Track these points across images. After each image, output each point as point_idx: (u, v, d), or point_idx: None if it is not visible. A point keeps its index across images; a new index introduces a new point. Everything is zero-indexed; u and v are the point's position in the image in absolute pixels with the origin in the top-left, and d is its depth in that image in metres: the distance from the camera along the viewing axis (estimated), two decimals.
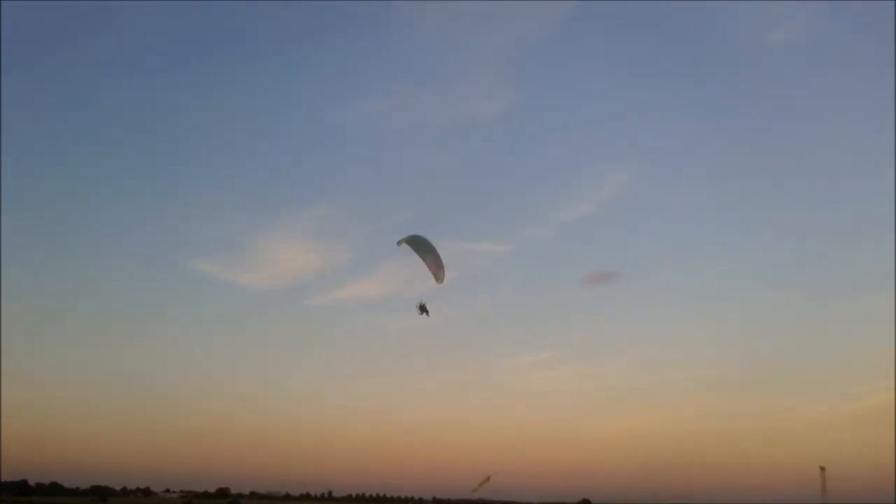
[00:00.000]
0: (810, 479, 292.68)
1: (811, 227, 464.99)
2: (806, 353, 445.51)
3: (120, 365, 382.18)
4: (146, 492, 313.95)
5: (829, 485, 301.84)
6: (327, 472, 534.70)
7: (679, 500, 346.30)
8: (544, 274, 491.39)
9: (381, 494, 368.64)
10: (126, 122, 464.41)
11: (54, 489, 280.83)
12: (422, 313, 36.50)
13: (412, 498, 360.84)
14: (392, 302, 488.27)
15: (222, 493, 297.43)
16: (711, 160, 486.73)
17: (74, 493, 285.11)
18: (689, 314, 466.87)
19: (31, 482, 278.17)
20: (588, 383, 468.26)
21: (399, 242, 34.76)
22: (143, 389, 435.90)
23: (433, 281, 35.73)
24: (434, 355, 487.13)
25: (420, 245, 34.75)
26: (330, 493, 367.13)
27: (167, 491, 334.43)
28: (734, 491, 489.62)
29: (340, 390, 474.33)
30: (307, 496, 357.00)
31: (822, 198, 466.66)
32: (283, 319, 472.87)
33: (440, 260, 34.65)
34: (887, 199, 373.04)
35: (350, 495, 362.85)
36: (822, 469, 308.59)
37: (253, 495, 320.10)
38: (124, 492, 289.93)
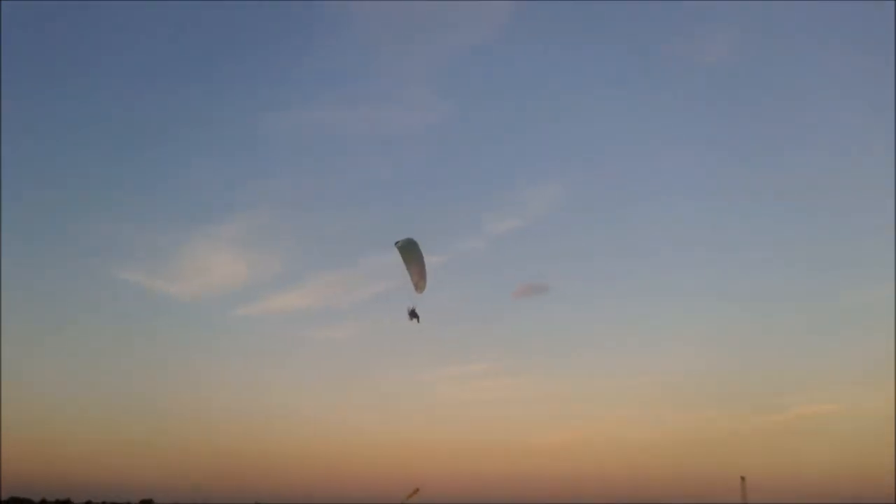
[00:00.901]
0: (732, 490, 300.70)
1: (738, 240, 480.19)
2: (730, 366, 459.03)
3: (39, 377, 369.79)
4: (66, 503, 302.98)
5: (749, 495, 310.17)
6: (252, 483, 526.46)
7: None
8: (475, 286, 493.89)
9: None
10: (44, 123, 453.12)
11: None
12: (412, 319, 37.18)
13: None
14: (321, 313, 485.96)
15: None
16: (642, 176, 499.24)
17: None
18: (617, 327, 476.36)
19: None
20: (518, 394, 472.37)
21: (396, 244, 35.45)
22: (61, 401, 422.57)
23: (413, 290, 36.54)
24: (365, 367, 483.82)
25: (410, 251, 35.46)
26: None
27: (88, 503, 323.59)
28: (662, 500, 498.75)
29: (268, 401, 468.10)
30: None
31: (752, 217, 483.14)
32: (210, 330, 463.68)
33: (424, 270, 35.41)
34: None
35: None
36: (743, 479, 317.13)
37: None
38: None
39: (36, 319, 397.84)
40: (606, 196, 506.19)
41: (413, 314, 36.50)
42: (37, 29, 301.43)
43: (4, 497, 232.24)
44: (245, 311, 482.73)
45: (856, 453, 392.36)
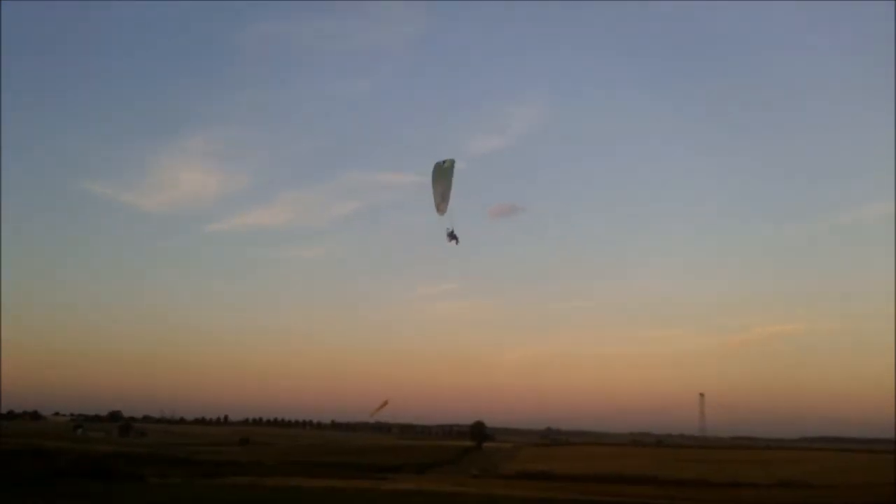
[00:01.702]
0: (691, 404, 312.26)
1: (716, 166, 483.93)
2: (697, 289, 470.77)
3: (11, 287, 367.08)
4: (34, 415, 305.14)
5: (707, 410, 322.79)
6: (225, 398, 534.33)
7: (569, 423, 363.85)
8: (452, 205, 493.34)
9: (280, 419, 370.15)
10: (6, 35, 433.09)
11: None
12: (451, 240, 36.31)
13: (310, 422, 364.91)
14: (296, 231, 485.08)
15: (114, 416, 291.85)
16: (622, 98, 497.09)
17: None
18: (589, 248, 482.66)
19: None
20: (488, 313, 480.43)
21: (444, 162, 34.38)
22: (31, 312, 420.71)
23: (435, 211, 35.62)
24: (338, 285, 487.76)
25: (443, 171, 34.42)
26: (226, 417, 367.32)
27: (56, 414, 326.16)
28: (621, 413, 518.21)
29: (241, 317, 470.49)
30: (202, 420, 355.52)
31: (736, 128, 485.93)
32: (181, 244, 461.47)
33: (448, 192, 34.39)
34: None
35: (247, 420, 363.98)
36: (702, 395, 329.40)
37: (146, 419, 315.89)
38: (11, 416, 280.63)
39: (3, 232, 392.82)
40: (588, 121, 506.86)
41: (452, 235, 35.72)
42: None
43: None
44: (216, 227, 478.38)
45: (805, 368, 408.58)
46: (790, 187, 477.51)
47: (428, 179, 34.37)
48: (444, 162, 34.28)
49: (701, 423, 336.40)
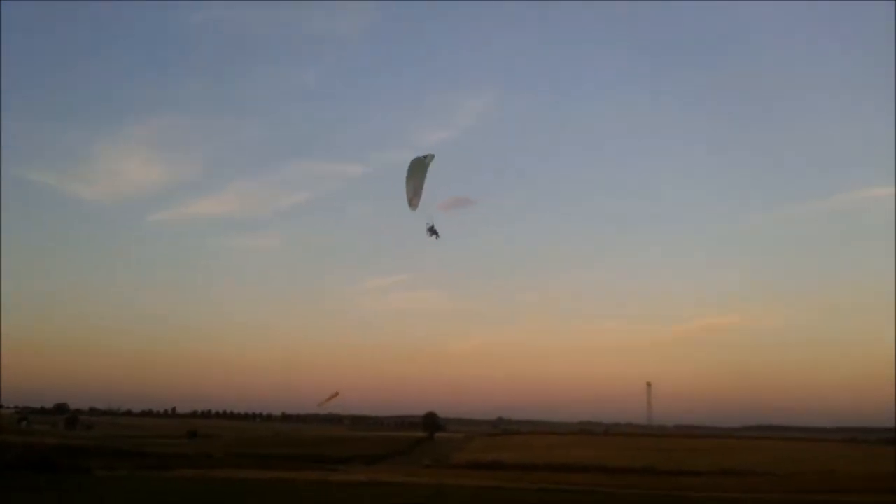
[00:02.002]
0: (639, 394, 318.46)
1: (668, 159, 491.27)
2: (639, 282, 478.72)
3: None
4: None
5: (654, 399, 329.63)
6: (172, 390, 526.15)
7: (519, 413, 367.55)
8: (401, 198, 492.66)
9: (229, 411, 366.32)
10: None
11: None
12: (431, 235, 36.16)
13: (260, 414, 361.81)
14: (244, 221, 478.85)
15: (60, 408, 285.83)
16: (573, 90, 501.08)
17: None
18: (540, 241, 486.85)
19: None
20: (440, 304, 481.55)
21: (425, 157, 34.38)
22: None
23: (407, 206, 35.69)
24: (287, 276, 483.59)
25: (422, 166, 34.51)
26: (174, 409, 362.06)
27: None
28: (571, 403, 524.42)
29: (187, 309, 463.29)
30: (149, 413, 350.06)
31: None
32: (125, 234, 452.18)
33: (420, 189, 34.53)
34: None
35: (195, 412, 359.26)
36: (649, 385, 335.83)
37: (93, 412, 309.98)
38: None
39: None
40: (539, 112, 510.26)
41: (432, 231, 35.73)
42: None
43: None
44: (162, 216, 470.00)
45: (750, 359, 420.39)
46: (741, 179, 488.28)
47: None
48: (424, 157, 34.59)
49: (648, 412, 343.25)
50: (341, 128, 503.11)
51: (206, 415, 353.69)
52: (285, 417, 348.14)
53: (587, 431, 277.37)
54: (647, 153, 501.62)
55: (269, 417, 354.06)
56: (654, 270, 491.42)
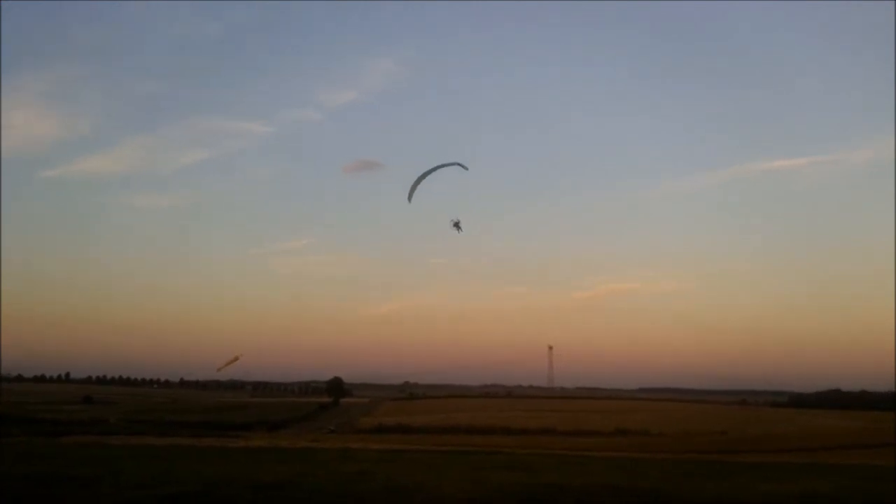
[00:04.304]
0: (541, 357, 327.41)
1: (572, 127, 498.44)
2: (546, 252, 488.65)
3: None
4: None
5: (556, 361, 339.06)
6: (65, 354, 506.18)
7: (425, 378, 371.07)
8: (307, 160, 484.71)
9: (126, 377, 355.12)
10: None
11: None
12: (454, 227, 37.01)
13: (158, 380, 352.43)
14: (140, 178, 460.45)
15: None
16: (485, 53, 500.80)
17: None
18: (446, 206, 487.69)
19: None
20: (345, 269, 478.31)
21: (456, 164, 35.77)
22: None
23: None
24: (186, 237, 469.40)
25: (435, 168, 35.84)
26: (68, 374, 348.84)
27: None
28: (475, 367, 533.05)
29: (81, 269, 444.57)
30: (42, 378, 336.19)
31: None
32: (15, 190, 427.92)
33: (416, 184, 35.76)
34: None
35: (90, 377, 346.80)
36: (550, 348, 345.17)
37: None
38: None
39: None
40: (444, 72, 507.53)
41: (457, 225, 36.86)
42: None
43: None
44: (53, 172, 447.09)
45: (650, 323, 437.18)
46: (644, 153, 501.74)
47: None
48: (454, 163, 36.00)
49: (550, 375, 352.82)
50: (243, 85, 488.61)
51: (102, 381, 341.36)
52: (184, 384, 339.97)
53: (490, 395, 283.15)
54: (557, 121, 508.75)
55: (168, 384, 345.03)
56: (557, 238, 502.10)
